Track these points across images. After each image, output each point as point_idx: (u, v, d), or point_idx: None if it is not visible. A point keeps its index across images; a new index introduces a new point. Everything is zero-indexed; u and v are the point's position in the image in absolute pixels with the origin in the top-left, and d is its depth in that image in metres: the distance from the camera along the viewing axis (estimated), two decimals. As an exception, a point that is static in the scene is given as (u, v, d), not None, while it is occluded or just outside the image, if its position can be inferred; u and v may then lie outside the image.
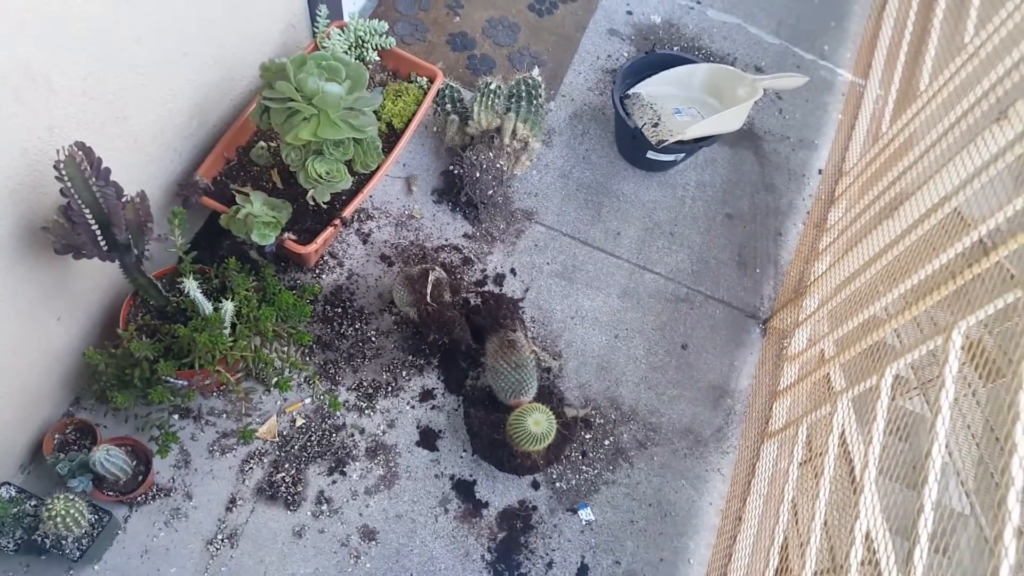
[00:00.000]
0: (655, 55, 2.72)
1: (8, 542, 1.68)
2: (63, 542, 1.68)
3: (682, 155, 2.61)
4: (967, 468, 1.53)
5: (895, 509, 1.42)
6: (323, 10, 2.31)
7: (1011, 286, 1.19)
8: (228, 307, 1.75)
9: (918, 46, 2.42)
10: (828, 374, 1.86)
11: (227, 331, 1.79)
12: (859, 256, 1.94)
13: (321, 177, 1.88)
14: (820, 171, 2.85)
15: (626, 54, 2.96)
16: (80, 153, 1.43)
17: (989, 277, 1.28)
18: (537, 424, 1.88)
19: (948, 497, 1.54)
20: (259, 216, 1.90)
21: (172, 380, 1.81)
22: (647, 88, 2.67)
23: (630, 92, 2.67)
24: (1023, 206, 1.29)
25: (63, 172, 1.41)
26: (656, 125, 2.54)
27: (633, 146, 2.65)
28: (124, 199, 1.59)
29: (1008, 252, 1.25)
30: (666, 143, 2.47)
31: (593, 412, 2.23)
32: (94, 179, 1.48)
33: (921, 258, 1.59)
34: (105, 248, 1.58)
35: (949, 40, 2.14)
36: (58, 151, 1.41)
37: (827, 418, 1.72)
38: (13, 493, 1.72)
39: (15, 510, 1.67)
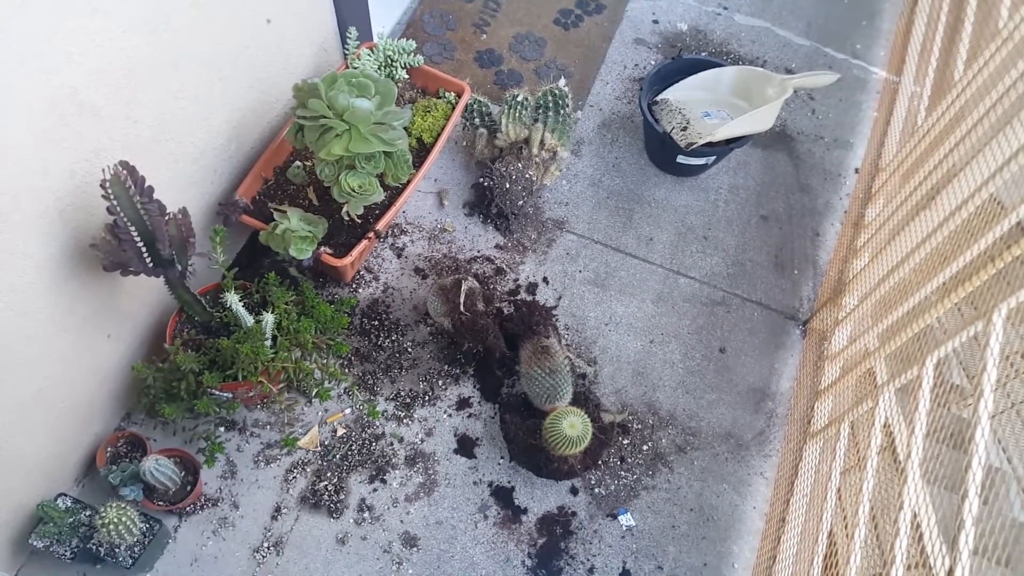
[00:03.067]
0: (682, 60, 2.73)
1: (65, 551, 1.75)
2: (116, 550, 1.74)
3: (713, 158, 2.59)
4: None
5: (946, 516, 1.38)
6: (353, 32, 2.39)
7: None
8: (269, 319, 1.80)
9: (952, 37, 2.38)
10: (871, 368, 1.82)
11: (268, 343, 1.84)
12: (899, 249, 1.90)
13: (354, 191, 1.93)
14: (856, 170, 2.80)
15: (653, 62, 2.98)
16: (124, 172, 1.50)
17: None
18: (572, 427, 1.88)
19: (1010, 506, 1.48)
20: (296, 231, 1.96)
21: (217, 392, 1.86)
22: (675, 93, 2.67)
23: (658, 98, 2.67)
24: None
25: (109, 190, 1.48)
26: (685, 129, 2.54)
27: (663, 151, 2.65)
28: (167, 216, 1.66)
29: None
30: (695, 146, 2.46)
31: (630, 417, 2.21)
32: (138, 197, 1.55)
33: (960, 246, 1.55)
34: (150, 264, 1.65)
35: (982, 27, 2.10)
36: (103, 170, 1.48)
37: (871, 411, 1.67)
38: (69, 503, 1.79)
39: (71, 520, 1.74)
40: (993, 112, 1.75)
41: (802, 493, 1.95)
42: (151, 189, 1.61)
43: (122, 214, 1.55)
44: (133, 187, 1.55)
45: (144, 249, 1.62)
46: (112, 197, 1.51)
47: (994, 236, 1.45)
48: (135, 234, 1.58)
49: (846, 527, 1.68)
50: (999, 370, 1.24)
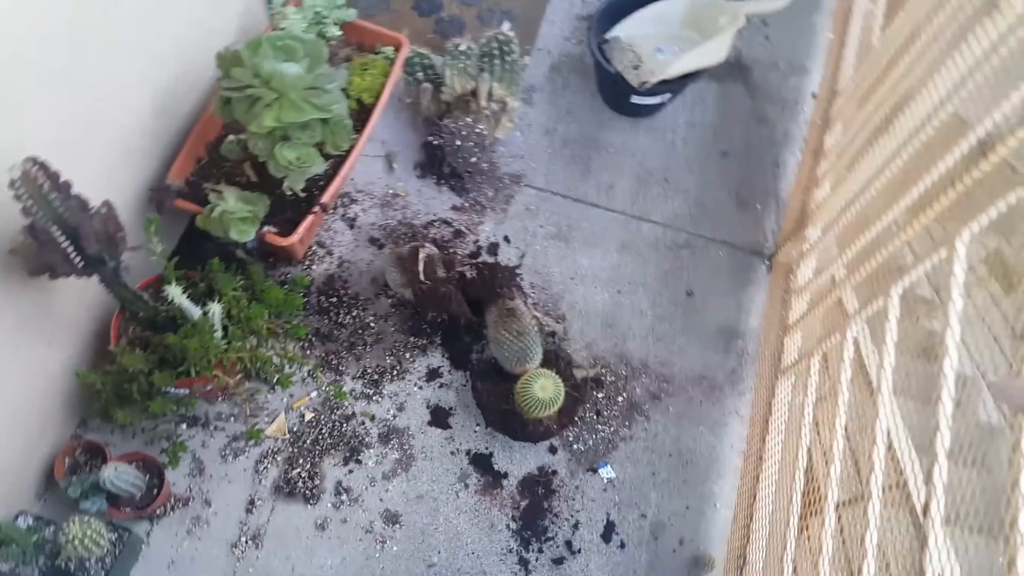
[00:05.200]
0: (629, -6, 2.61)
1: (33, 571, 1.68)
2: (87, 564, 1.68)
3: (668, 95, 2.51)
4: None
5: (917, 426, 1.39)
6: (277, -10, 2.22)
7: (1014, 185, 1.11)
8: (215, 309, 1.71)
9: (903, -53, 2.29)
10: (840, 298, 1.80)
11: (219, 334, 1.75)
12: (861, 175, 1.86)
13: (292, 163, 1.82)
14: (813, 95, 2.74)
15: (599, -3, 2.85)
16: (35, 168, 1.38)
17: (995, 175, 1.21)
18: (544, 389, 1.84)
19: (984, 411, 1.50)
20: (235, 212, 1.85)
21: (172, 390, 1.78)
22: (625, 30, 2.56)
23: (608, 37, 2.56)
24: (1020, 100, 1.21)
25: (20, 191, 1.36)
26: (637, 67, 2.44)
27: (617, 93, 2.56)
28: (91, 211, 1.54)
29: (1008, 150, 1.18)
30: (649, 84, 2.37)
31: (603, 370, 2.19)
32: (55, 194, 1.43)
33: (924, 166, 1.51)
34: (80, 264, 1.54)
35: (934, -64, 2.01)
36: (11, 170, 1.36)
37: (842, 341, 1.66)
38: (30, 522, 1.72)
39: (34, 538, 1.67)
40: (949, 27, 1.69)
41: (777, 430, 1.96)
42: (68, 184, 1.48)
43: (40, 214, 1.43)
44: (48, 184, 1.42)
45: (71, 248, 1.50)
46: (25, 198, 1.39)
47: (957, 155, 1.41)
48: (58, 233, 1.46)
49: (823, 453, 1.68)
50: (970, 276, 1.22)
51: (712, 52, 2.40)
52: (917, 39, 1.80)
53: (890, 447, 1.41)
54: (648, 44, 2.53)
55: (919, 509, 1.22)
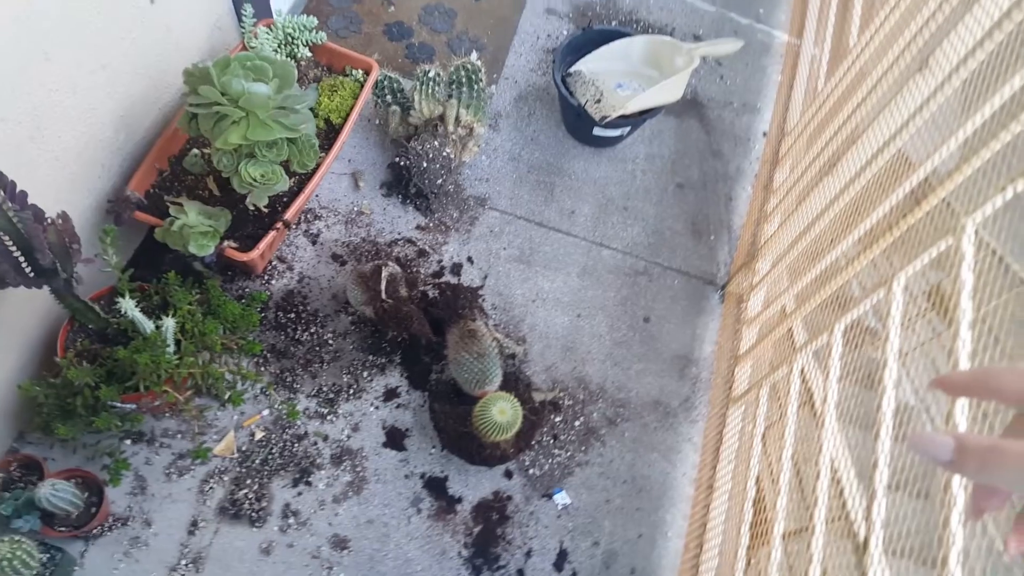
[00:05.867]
0: (593, 31, 2.70)
1: (-43, 592, 1.59)
2: (16, 585, 1.60)
3: (628, 129, 2.59)
4: (942, 415, 1.54)
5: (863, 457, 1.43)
6: (248, 9, 2.23)
7: (951, 225, 1.19)
8: (169, 324, 1.68)
9: (845, 3, 2.44)
10: (790, 329, 1.86)
11: (171, 349, 1.71)
12: (807, 213, 1.95)
13: (256, 181, 1.81)
14: (764, 133, 2.86)
15: (565, 31, 2.93)
16: (-12, 176, 1.35)
17: (935, 215, 1.28)
18: (502, 413, 1.85)
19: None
20: (195, 226, 1.82)
21: (118, 405, 1.73)
22: (588, 65, 2.64)
23: (571, 70, 2.64)
24: (955, 148, 1.29)
25: (-29, 198, 1.33)
26: (599, 101, 2.51)
27: (579, 124, 2.62)
28: (46, 221, 1.51)
29: (946, 192, 1.25)
30: (610, 118, 2.44)
31: (561, 394, 2.21)
32: (9, 204, 1.40)
33: (869, 204, 1.59)
34: (31, 275, 1.49)
35: (875, -7, 2.15)
36: (-38, 176, 1.32)
37: (789, 373, 1.72)
38: (-44, 540, 1.63)
39: (-40, 557, 1.58)
40: (889, 75, 1.80)
41: (727, 459, 2.00)
42: (24, 194, 1.45)
43: (-9, 223, 1.39)
44: (2, 193, 1.39)
45: (22, 259, 1.46)
46: (-25, 204, 1.35)
47: (908, 188, 1.49)
48: (9, 244, 1.42)
49: (771, 482, 1.73)
50: (912, 309, 1.28)
51: (669, 90, 2.49)
52: (860, 86, 1.91)
53: (837, 481, 1.46)
54: (610, 79, 2.61)
55: (860, 541, 1.26)
